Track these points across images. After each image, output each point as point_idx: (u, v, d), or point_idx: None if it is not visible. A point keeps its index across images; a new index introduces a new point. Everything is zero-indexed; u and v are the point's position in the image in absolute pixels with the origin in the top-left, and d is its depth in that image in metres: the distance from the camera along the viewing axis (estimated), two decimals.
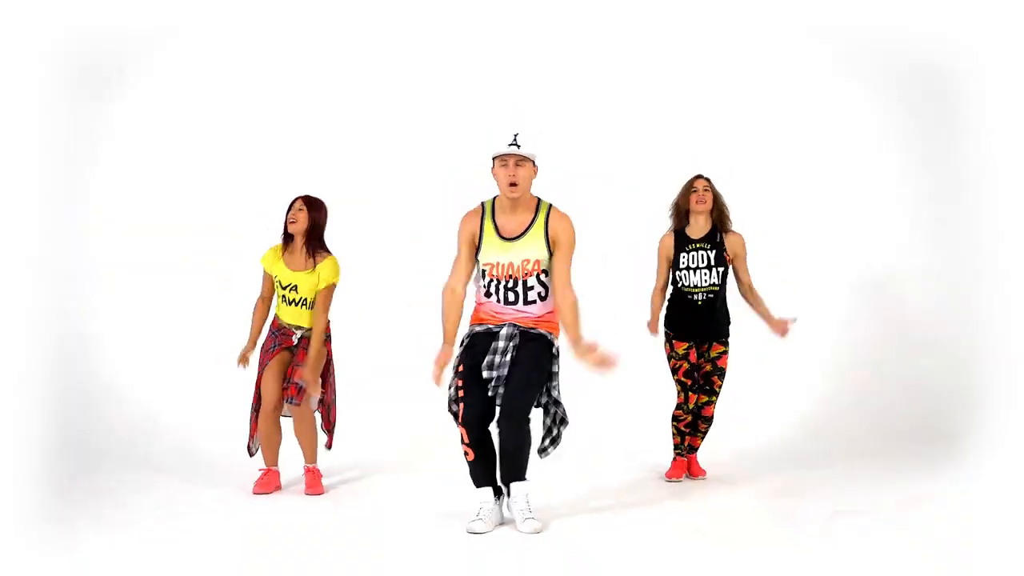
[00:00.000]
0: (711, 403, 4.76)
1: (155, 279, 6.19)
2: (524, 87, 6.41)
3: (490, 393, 3.87)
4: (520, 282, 3.91)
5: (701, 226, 4.77)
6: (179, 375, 6.00)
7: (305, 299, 4.55)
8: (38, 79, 5.36)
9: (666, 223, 4.90)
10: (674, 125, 6.35)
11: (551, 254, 3.91)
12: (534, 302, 3.92)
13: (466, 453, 3.92)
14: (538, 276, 3.92)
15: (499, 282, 3.93)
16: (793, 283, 6.21)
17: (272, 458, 4.61)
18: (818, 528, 3.83)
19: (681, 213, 4.81)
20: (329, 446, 4.73)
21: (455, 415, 3.96)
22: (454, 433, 5.25)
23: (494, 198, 4.00)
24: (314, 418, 4.62)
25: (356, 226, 5.57)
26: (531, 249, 3.91)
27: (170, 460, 5.05)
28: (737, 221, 4.87)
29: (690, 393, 4.76)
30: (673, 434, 4.84)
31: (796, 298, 6.22)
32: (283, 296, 4.60)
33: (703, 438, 4.84)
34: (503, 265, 3.92)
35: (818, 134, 6.36)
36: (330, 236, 4.72)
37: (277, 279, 4.61)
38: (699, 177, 4.80)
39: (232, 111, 6.34)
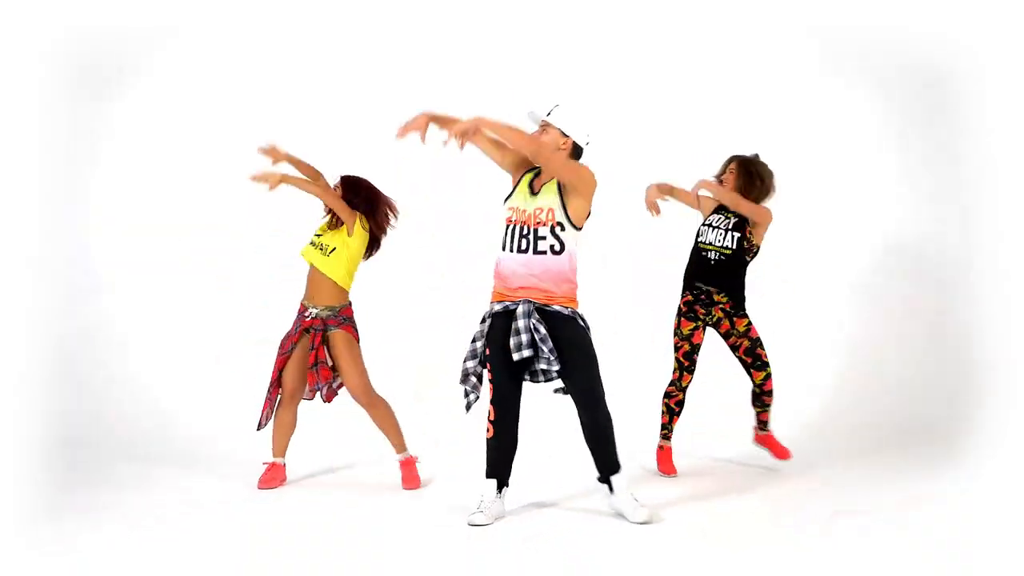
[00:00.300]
0: (768, 376, 4.84)
1: (155, 279, 6.19)
2: (525, 90, 6.41)
3: (543, 366, 3.98)
4: (532, 230, 3.97)
5: None
6: (179, 375, 6.01)
7: (324, 245, 4.57)
8: (38, 79, 5.36)
9: (665, 223, 4.97)
10: (673, 126, 6.35)
11: (564, 205, 3.96)
12: (544, 252, 3.96)
13: (488, 429, 4.04)
14: (552, 229, 3.96)
15: (514, 228, 4.01)
16: (793, 283, 6.22)
17: (280, 448, 4.62)
18: (818, 528, 3.83)
19: None
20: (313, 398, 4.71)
21: (467, 392, 4.10)
22: (454, 432, 5.27)
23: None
24: (390, 408, 4.63)
25: None
26: (545, 199, 3.99)
27: (170, 459, 5.04)
28: None
29: (685, 373, 4.84)
30: (662, 412, 4.90)
31: (796, 298, 6.26)
32: (312, 240, 4.64)
33: (770, 411, 4.93)
34: (520, 210, 4.02)
35: (818, 134, 6.37)
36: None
37: (318, 232, 4.65)
38: (729, 159, 4.91)
39: (232, 111, 6.34)
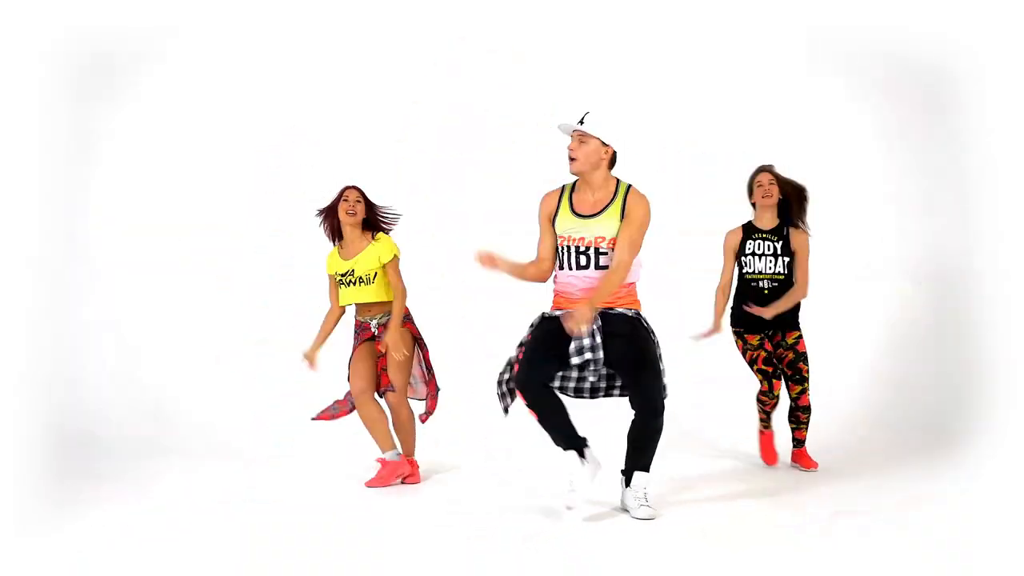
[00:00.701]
0: (804, 391, 4.77)
1: (155, 279, 6.19)
2: (527, 93, 6.42)
3: (590, 376, 3.98)
4: (593, 248, 3.93)
5: (769, 219, 4.77)
6: (179, 376, 6.01)
7: (361, 278, 4.60)
8: (38, 79, 5.36)
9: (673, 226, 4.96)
10: (676, 127, 6.35)
11: None
12: (607, 267, 3.91)
13: (532, 415, 3.91)
14: (613, 248, 3.92)
15: (572, 247, 3.95)
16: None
17: (385, 441, 4.56)
18: (818, 528, 3.83)
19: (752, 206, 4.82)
20: (431, 410, 4.72)
21: (503, 394, 4.04)
22: (454, 432, 5.27)
23: (575, 180, 4.05)
24: (411, 412, 4.65)
25: None
26: (606, 227, 3.93)
27: (170, 459, 5.05)
28: (741, 223, 4.90)
29: (774, 380, 4.76)
30: (759, 411, 4.89)
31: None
32: (340, 281, 4.67)
33: (806, 429, 4.85)
34: (575, 238, 3.95)
35: (817, 134, 6.37)
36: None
37: (335, 274, 4.69)
38: (762, 171, 4.76)
39: (232, 111, 6.35)
